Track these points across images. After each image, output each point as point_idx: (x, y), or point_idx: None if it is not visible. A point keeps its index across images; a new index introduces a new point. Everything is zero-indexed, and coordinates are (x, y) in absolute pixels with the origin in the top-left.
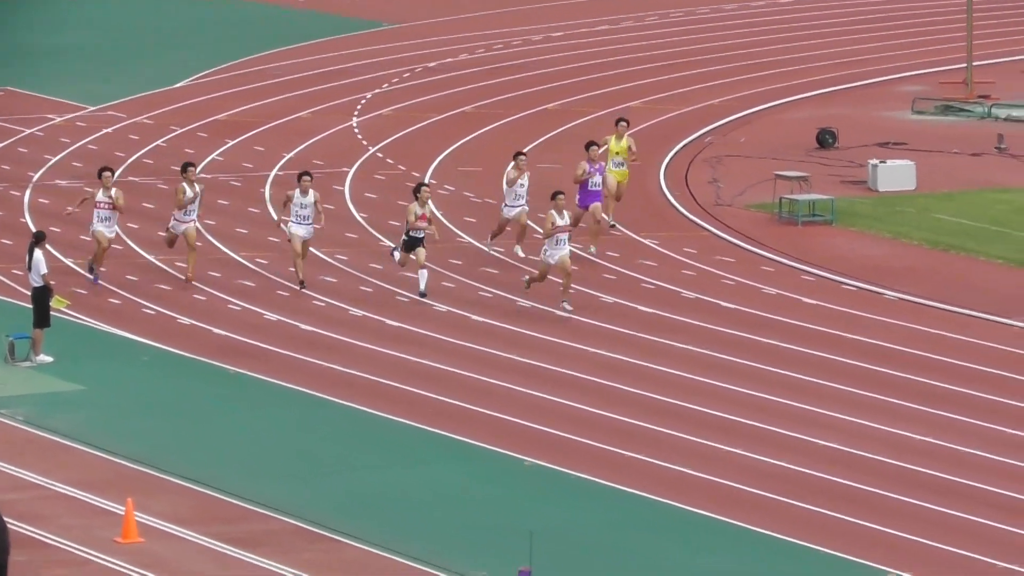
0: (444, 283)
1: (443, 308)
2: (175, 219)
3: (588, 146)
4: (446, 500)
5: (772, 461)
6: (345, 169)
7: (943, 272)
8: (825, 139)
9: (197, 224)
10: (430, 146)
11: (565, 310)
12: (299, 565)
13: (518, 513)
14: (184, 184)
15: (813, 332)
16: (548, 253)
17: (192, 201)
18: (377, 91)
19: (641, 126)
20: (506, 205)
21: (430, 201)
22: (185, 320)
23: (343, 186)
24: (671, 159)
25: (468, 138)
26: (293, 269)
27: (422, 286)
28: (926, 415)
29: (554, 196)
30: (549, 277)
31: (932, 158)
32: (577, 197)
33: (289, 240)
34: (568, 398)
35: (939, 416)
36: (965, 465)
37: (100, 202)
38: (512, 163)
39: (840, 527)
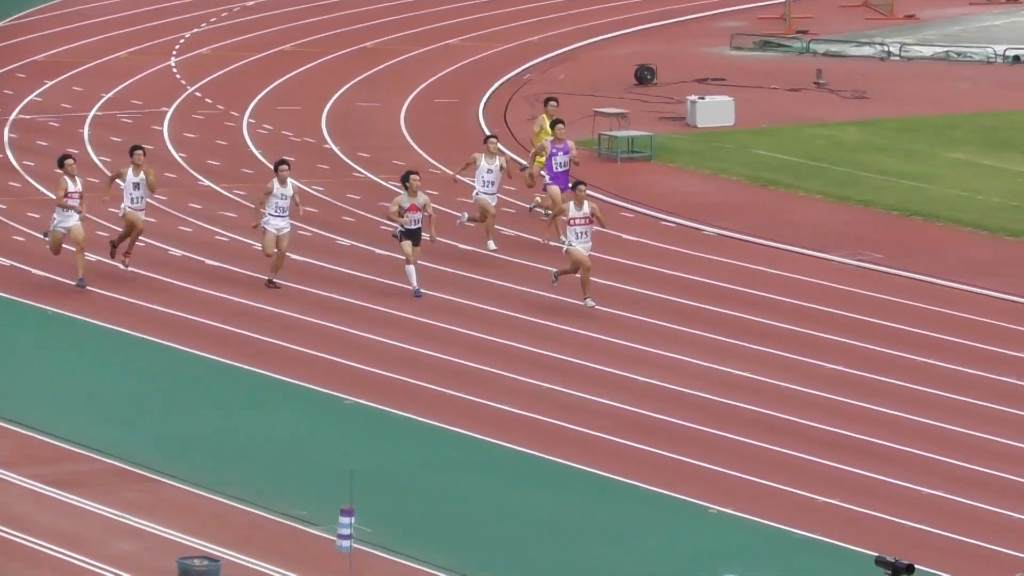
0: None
1: (259, 246)
2: (128, 207)
3: (553, 125)
4: (270, 441)
5: (594, 398)
6: (164, 109)
7: (762, 207)
8: (644, 76)
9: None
10: (249, 85)
11: (588, 305)
12: (119, 505)
13: (340, 453)
14: (129, 168)
15: (633, 268)
16: (571, 244)
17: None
18: (196, 31)
19: (460, 63)
20: (477, 192)
21: (421, 192)
22: (4, 261)
23: (162, 126)
24: (490, 96)
25: (286, 77)
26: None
27: (414, 283)
28: (746, 350)
29: (574, 186)
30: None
31: (751, 94)
32: (546, 178)
33: (263, 234)
34: (385, 336)
35: (759, 351)
36: (786, 401)
37: (71, 193)
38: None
39: (662, 463)
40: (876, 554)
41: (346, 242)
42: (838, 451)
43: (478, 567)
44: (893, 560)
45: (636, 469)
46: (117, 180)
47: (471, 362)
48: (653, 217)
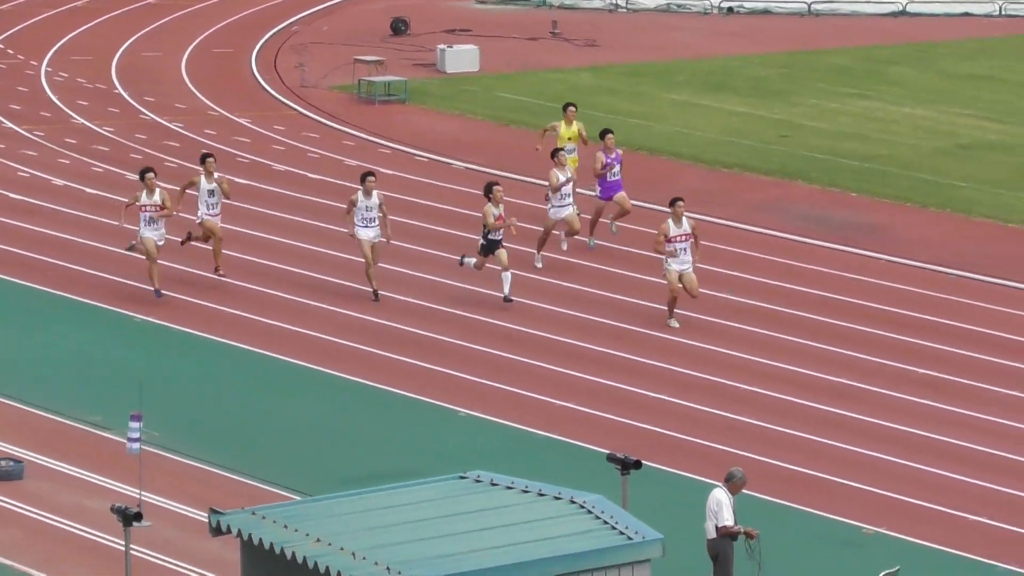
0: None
1: (60, 183)
2: (205, 214)
3: (603, 134)
4: (67, 355)
5: (356, 315)
6: None
7: (505, 144)
8: (399, 27)
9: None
10: (46, 38)
11: (671, 327)
12: None
13: (131, 365)
14: (203, 176)
15: (395, 200)
16: (669, 263)
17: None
18: None
19: (234, 17)
20: (552, 206)
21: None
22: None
23: None
24: (261, 47)
25: (80, 30)
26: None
27: (506, 290)
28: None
29: (672, 203)
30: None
31: (494, 43)
32: (598, 190)
33: (359, 243)
34: (169, 260)
35: (495, 271)
36: (533, 318)
37: (146, 206)
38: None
39: (416, 372)
40: (608, 451)
41: (133, 176)
42: (589, 364)
43: (253, 465)
44: (623, 457)
45: (393, 377)
46: (189, 189)
47: (239, 282)
48: (408, 153)
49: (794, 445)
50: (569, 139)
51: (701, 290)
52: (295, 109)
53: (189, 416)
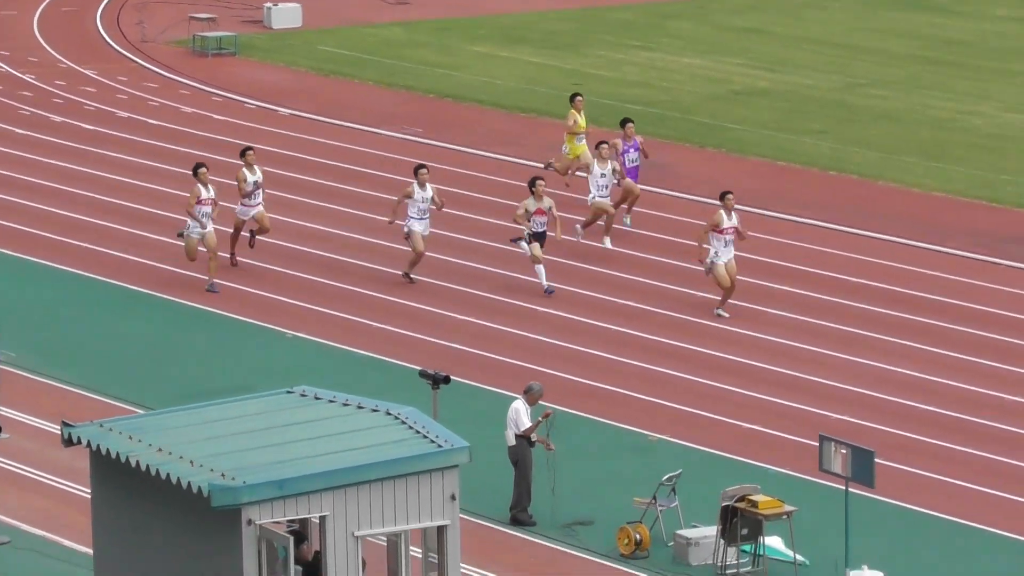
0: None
1: None
2: (243, 204)
3: (623, 123)
4: None
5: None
6: None
7: (326, 93)
8: None
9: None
10: None
11: (722, 317)
12: None
13: None
14: (244, 169)
15: (227, 143)
16: (716, 255)
17: (256, 186)
18: None
19: None
20: (595, 196)
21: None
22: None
23: None
24: (105, 6)
25: None
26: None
27: (543, 281)
28: (338, 212)
29: (723, 196)
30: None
31: (315, 1)
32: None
33: (407, 237)
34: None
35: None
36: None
37: (203, 199)
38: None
39: (244, 297)
40: (419, 368)
41: None
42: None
43: (102, 382)
44: (433, 372)
45: (225, 301)
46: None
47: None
48: (239, 101)
49: (587, 361)
50: (582, 127)
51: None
52: (136, 62)
53: (43, 339)
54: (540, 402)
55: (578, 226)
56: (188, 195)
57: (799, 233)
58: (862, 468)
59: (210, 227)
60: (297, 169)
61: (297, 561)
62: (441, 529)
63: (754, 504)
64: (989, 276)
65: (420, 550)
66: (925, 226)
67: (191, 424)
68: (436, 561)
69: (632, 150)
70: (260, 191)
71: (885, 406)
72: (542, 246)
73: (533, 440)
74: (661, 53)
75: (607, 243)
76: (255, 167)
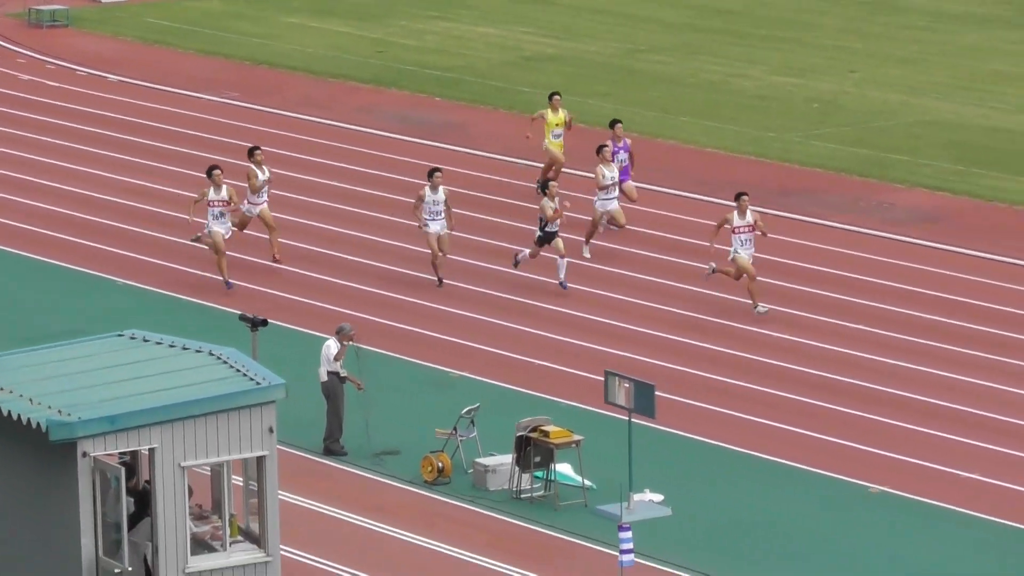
0: None
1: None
2: (249, 202)
3: (612, 124)
4: None
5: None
6: None
7: (152, 61)
8: None
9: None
10: None
11: (759, 312)
12: None
13: None
14: (254, 167)
15: (63, 108)
16: (735, 252)
17: (264, 184)
18: None
19: None
20: (600, 199)
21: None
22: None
23: None
24: None
25: None
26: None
27: (562, 275)
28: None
29: (738, 197)
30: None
31: None
32: None
33: (427, 237)
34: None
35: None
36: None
37: (213, 201)
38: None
39: (84, 250)
40: (239, 312)
41: None
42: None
43: None
44: (252, 316)
45: (71, 256)
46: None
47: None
48: (70, 68)
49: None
50: (556, 125)
51: None
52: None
53: None
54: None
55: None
56: (196, 195)
57: (587, 187)
58: (644, 401)
59: (217, 227)
60: (125, 131)
61: (128, 491)
62: (260, 459)
63: (546, 434)
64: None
65: (241, 479)
66: (698, 180)
67: (29, 365)
68: (256, 488)
69: (621, 151)
70: (266, 189)
71: (660, 343)
72: (553, 241)
73: (343, 377)
74: (458, 23)
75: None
76: (263, 166)
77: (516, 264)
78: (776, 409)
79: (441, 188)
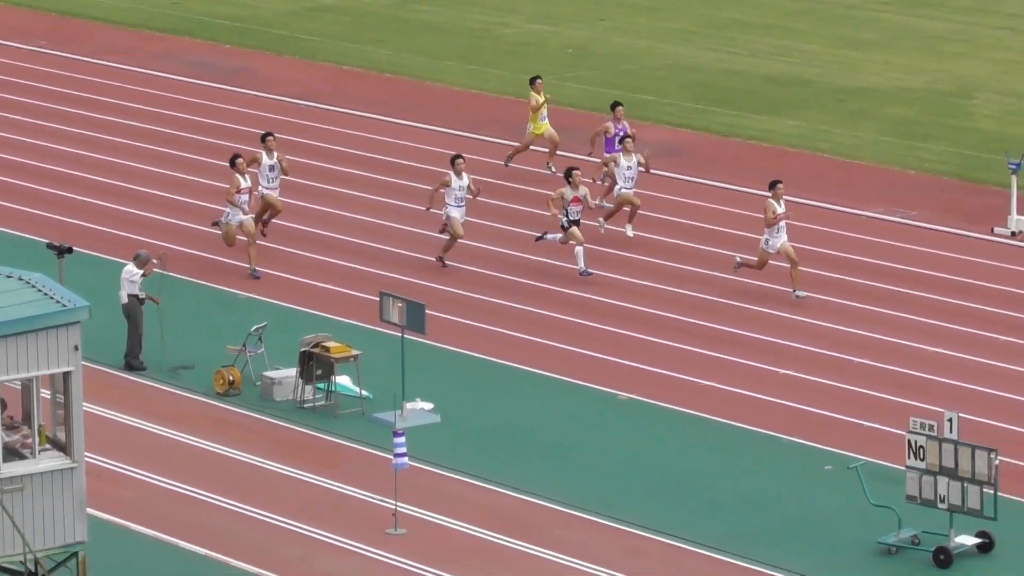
0: None
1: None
2: (264, 188)
3: (613, 107)
4: None
5: None
6: None
7: None
8: None
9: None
10: None
11: (798, 297)
12: None
13: None
14: (263, 153)
15: None
16: (769, 242)
17: (272, 169)
18: None
19: None
20: (621, 188)
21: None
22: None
23: None
24: None
25: None
26: (441, 255)
27: (582, 264)
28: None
29: (772, 185)
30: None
31: None
32: (604, 149)
33: (446, 224)
34: None
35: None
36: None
37: (241, 189)
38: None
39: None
40: (46, 241)
41: None
42: None
43: None
44: (58, 244)
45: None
46: (251, 167)
47: None
48: None
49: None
50: (543, 105)
51: None
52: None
53: None
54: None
55: (600, 219)
56: (228, 185)
57: (363, 126)
58: (415, 318)
59: (242, 216)
60: None
61: None
62: (67, 375)
63: (327, 349)
64: (518, 158)
65: (49, 392)
66: (463, 119)
67: None
68: (63, 401)
69: (622, 132)
70: (276, 175)
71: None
72: (571, 229)
73: (142, 298)
74: None
75: (629, 232)
76: (274, 152)
77: (538, 239)
78: (534, 325)
79: (465, 174)
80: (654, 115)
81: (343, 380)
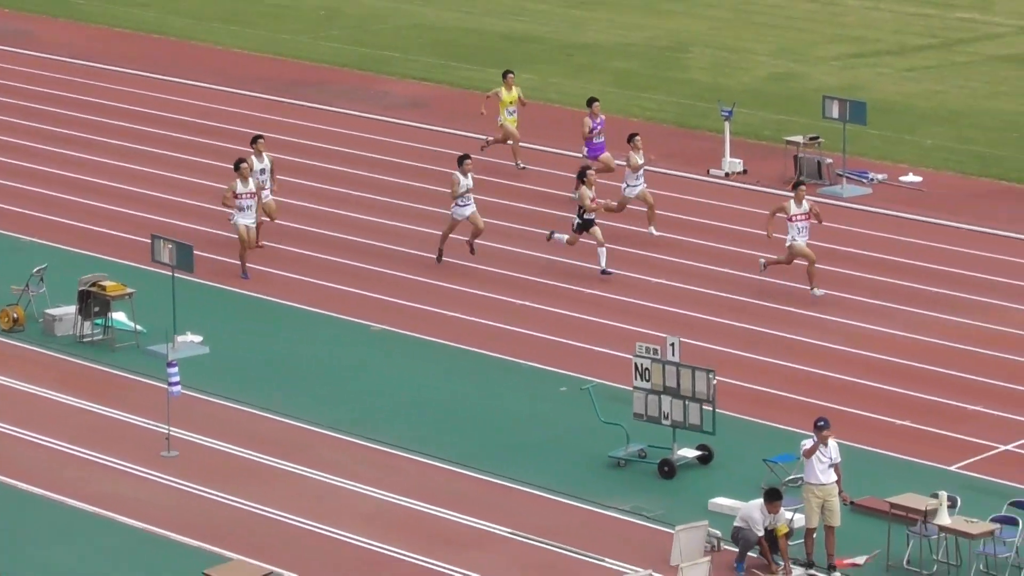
0: None
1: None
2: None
3: (590, 102)
4: None
5: None
6: None
7: None
8: None
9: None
10: None
11: (815, 295)
12: None
13: None
14: (253, 158)
15: None
16: (792, 240)
17: (263, 173)
18: None
19: None
20: (628, 185)
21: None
22: None
23: None
24: None
25: None
26: (440, 250)
27: (603, 263)
28: None
29: (796, 186)
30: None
31: None
32: (585, 151)
33: (454, 220)
34: None
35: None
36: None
37: (242, 194)
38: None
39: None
40: None
41: None
42: None
43: None
44: None
45: None
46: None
47: None
48: None
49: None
50: (511, 103)
51: None
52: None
53: None
54: None
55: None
56: (226, 188)
57: (131, 82)
58: (184, 259)
59: (243, 220)
60: None
61: None
62: None
63: (103, 288)
64: (280, 112)
65: None
66: (227, 75)
67: None
68: None
69: (599, 127)
70: (266, 179)
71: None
72: (591, 229)
73: None
74: None
75: (652, 231)
76: (264, 155)
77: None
78: (297, 264)
79: (470, 174)
80: (400, 71)
81: (119, 316)
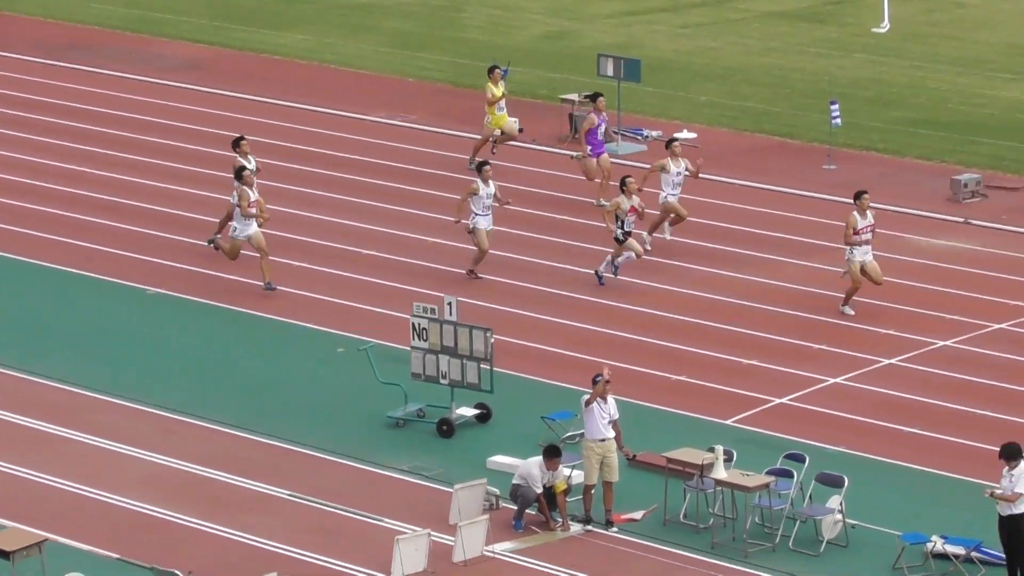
0: None
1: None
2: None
3: (594, 97)
4: None
5: None
6: None
7: None
8: None
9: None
10: None
11: (847, 314)
12: None
13: None
14: (240, 159)
15: None
16: (852, 254)
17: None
18: None
19: None
20: (667, 194)
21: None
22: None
23: None
24: None
25: None
26: (472, 269)
27: (615, 264)
28: None
29: (858, 196)
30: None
31: None
32: (588, 149)
33: (471, 233)
34: None
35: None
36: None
37: (252, 203)
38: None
39: None
40: None
41: None
42: None
43: None
44: None
45: None
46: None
47: None
48: None
49: None
50: (502, 97)
51: None
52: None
53: None
54: None
55: (645, 234)
56: (237, 198)
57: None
58: None
59: (255, 228)
60: None
61: None
62: None
63: None
64: (52, 74)
65: None
66: (41, 47)
67: None
68: None
69: (603, 124)
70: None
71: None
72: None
73: None
74: None
75: (667, 233)
76: (249, 156)
77: (615, 271)
78: (57, 224)
79: (492, 182)
80: (173, 32)
81: None
